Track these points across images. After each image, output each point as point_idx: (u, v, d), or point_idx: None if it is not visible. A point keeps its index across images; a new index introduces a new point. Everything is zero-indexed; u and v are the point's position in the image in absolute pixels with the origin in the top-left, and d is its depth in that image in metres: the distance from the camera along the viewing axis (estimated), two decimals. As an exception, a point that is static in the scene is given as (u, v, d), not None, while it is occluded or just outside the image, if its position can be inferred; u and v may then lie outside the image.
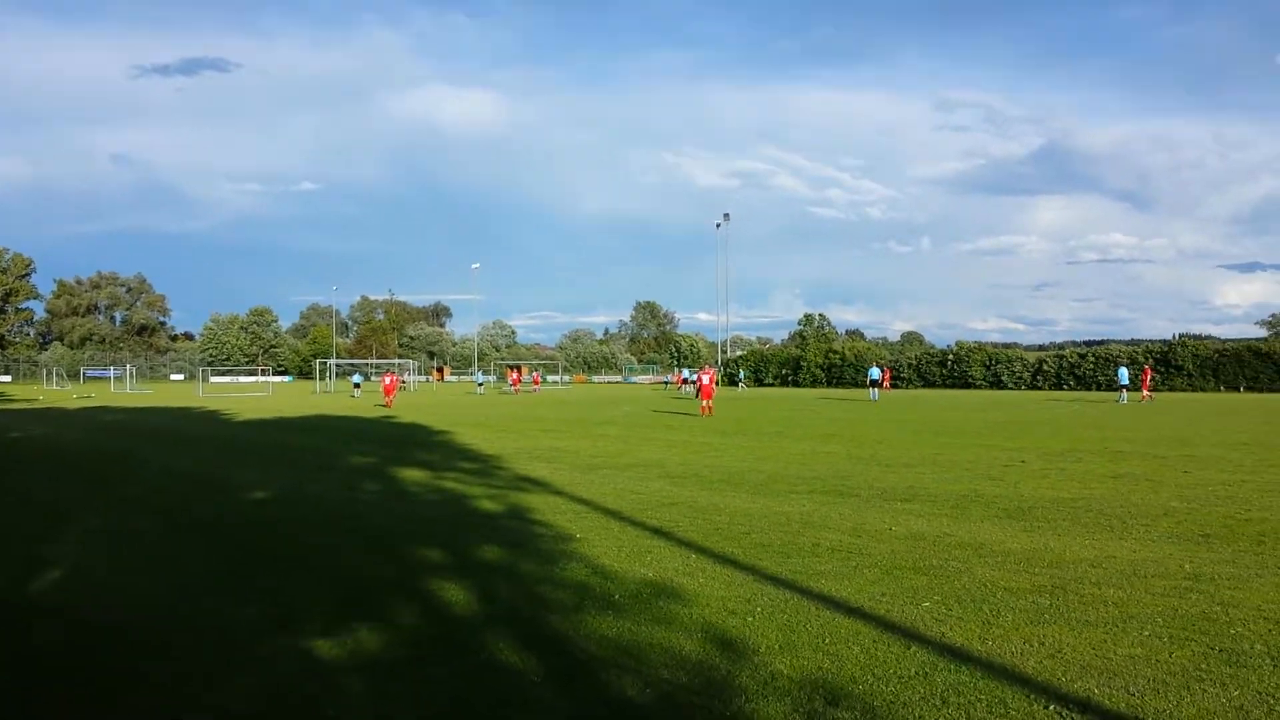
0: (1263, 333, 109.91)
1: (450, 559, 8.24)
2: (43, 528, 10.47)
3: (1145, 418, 29.29)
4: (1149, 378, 44.87)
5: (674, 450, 18.95)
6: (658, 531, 9.51)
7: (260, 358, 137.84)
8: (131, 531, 10.18)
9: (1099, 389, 60.70)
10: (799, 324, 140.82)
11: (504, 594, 6.91)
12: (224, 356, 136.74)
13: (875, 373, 51.79)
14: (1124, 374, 44.43)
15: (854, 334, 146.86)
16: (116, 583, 7.71)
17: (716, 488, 13.07)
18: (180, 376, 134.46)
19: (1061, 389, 64.47)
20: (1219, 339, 66.28)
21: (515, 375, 70.84)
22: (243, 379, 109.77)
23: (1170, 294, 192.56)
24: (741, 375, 79.35)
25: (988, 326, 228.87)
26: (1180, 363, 61.02)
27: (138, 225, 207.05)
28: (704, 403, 33.86)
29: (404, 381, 75.45)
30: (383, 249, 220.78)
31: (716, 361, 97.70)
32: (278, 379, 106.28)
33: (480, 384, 71.97)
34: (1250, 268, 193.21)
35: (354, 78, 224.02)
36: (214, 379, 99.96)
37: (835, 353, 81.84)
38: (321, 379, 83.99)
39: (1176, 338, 66.97)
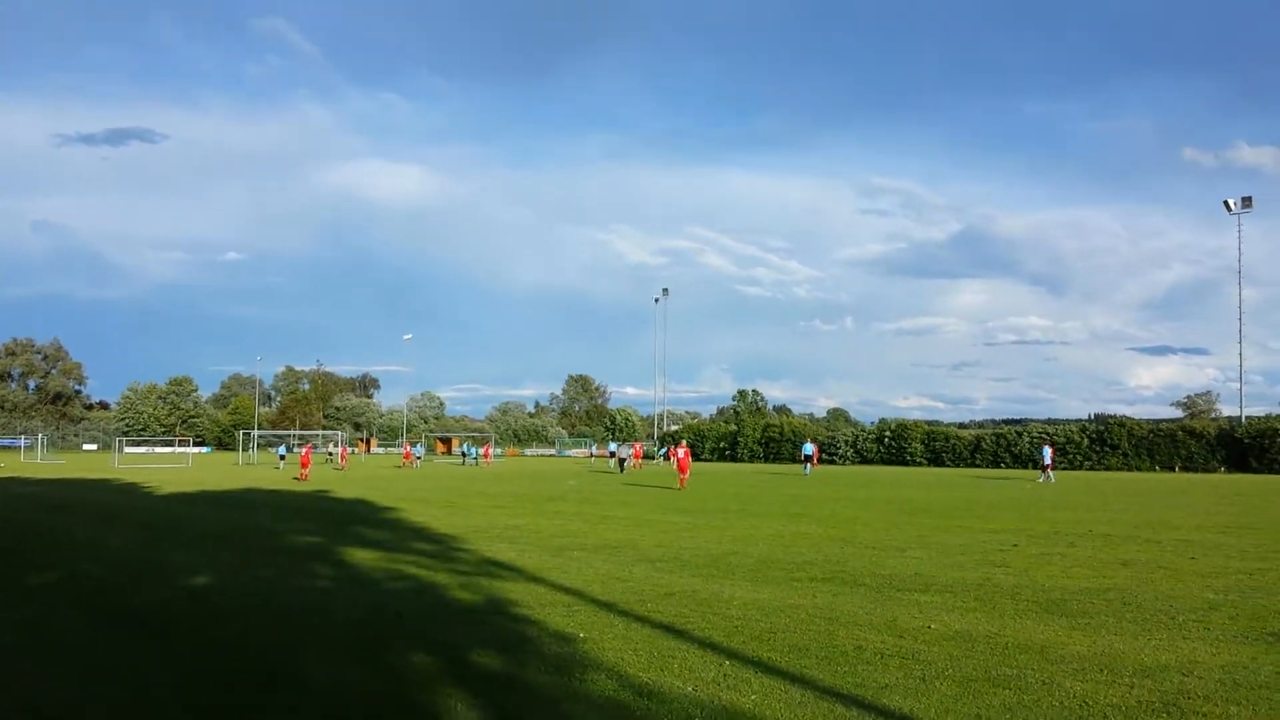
0: (1178, 413, 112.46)
1: (445, 666, 7.03)
2: (-52, 623, 8.99)
3: (1106, 499, 28.91)
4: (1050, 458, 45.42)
5: (640, 530, 17.82)
6: (670, 629, 8.39)
7: (178, 428, 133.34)
8: (58, 626, 8.76)
9: (1035, 467, 60.81)
10: (734, 399, 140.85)
11: (526, 718, 5.74)
12: (140, 426, 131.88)
13: (809, 448, 52.88)
14: (1047, 453, 44.85)
15: (781, 410, 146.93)
16: (45, 701, 6.37)
17: (707, 574, 11.99)
18: (93, 446, 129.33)
19: (999, 466, 64.60)
20: (1132, 419, 67.08)
21: (407, 449, 68.91)
22: (159, 449, 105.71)
23: (1085, 375, 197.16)
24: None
25: (909, 404, 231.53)
26: (1116, 441, 61.57)
27: (55, 291, 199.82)
28: (681, 476, 34.39)
29: (353, 451, 73.26)
30: (310, 319, 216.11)
31: (652, 436, 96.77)
32: (196, 450, 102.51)
33: (472, 456, 71.08)
34: (1161, 351, 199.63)
35: (284, 150, 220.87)
36: (129, 449, 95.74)
37: (774, 427, 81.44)
38: (244, 450, 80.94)
39: (1092, 417, 68.02)
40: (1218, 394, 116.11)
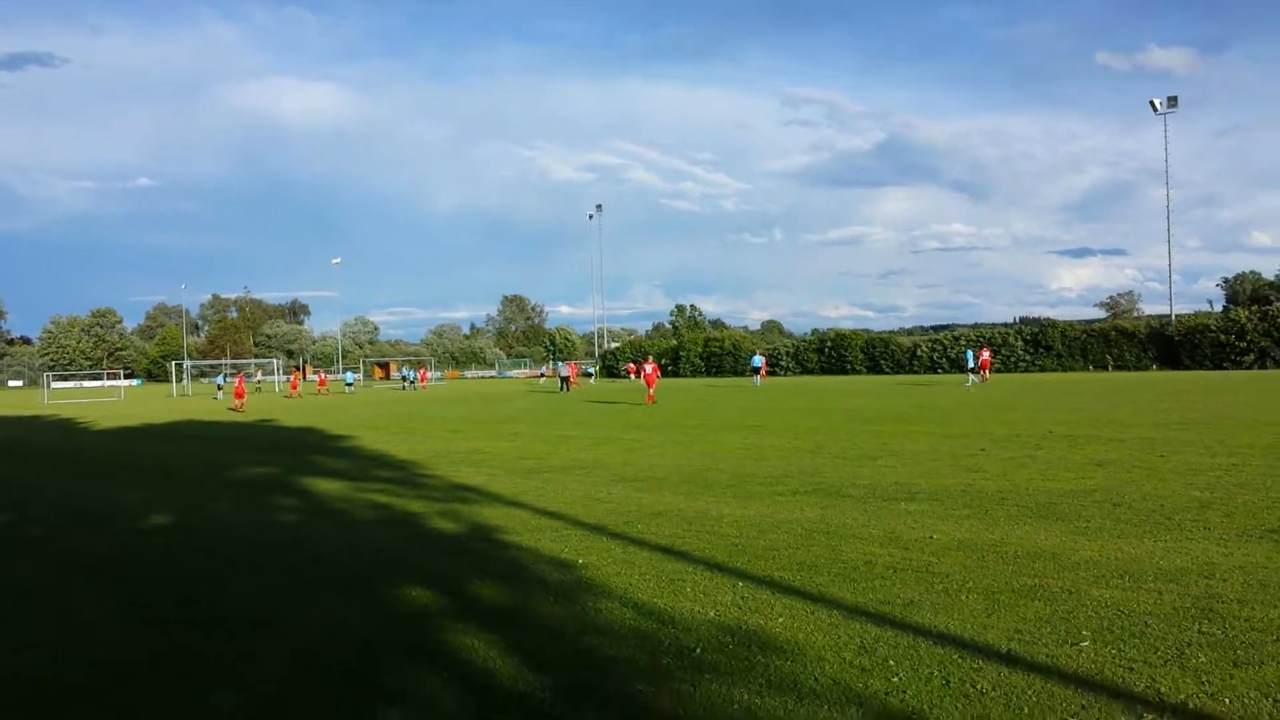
0: (1100, 313, 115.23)
1: (446, 601, 6.66)
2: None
3: (1052, 399, 29.29)
4: (987, 360, 46.93)
5: (604, 448, 17.54)
6: (668, 551, 8.10)
7: (105, 361, 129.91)
8: (12, 577, 8.21)
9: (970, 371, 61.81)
10: (671, 315, 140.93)
11: (550, 652, 5.38)
12: (66, 361, 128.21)
13: (758, 360, 53.31)
14: (970, 355, 45.79)
15: (715, 323, 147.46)
16: (12, 659, 5.87)
17: (686, 491, 11.74)
18: (19, 383, 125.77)
19: (935, 372, 65.47)
20: (1055, 320, 68.44)
21: (294, 378, 67.80)
22: (88, 383, 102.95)
23: (1008, 279, 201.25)
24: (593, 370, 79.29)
25: (839, 313, 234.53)
26: (1050, 343, 62.72)
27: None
28: (649, 392, 34.78)
29: (309, 378, 71.57)
30: (232, 246, 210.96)
31: (592, 353, 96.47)
32: (127, 383, 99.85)
33: (410, 379, 69.84)
34: (1081, 253, 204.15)
35: (190, 71, 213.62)
36: (57, 384, 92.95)
37: (715, 341, 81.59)
38: (177, 381, 79.07)
39: (1017, 320, 69.46)
40: (1139, 294, 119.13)
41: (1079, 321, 67.64)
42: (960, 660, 5.04)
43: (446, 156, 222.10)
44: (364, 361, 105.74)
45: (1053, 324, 65.21)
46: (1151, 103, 64.93)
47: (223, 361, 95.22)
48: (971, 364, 44.66)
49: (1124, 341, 60.38)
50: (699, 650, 5.32)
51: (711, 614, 6.06)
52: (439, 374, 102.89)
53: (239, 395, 42.12)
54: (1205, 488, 10.67)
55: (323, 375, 67.56)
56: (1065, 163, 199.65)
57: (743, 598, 6.46)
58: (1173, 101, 64.27)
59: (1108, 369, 59.52)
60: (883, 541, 8.21)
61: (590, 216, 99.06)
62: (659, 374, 37.28)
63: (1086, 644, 5.25)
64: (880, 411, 25.57)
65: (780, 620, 5.88)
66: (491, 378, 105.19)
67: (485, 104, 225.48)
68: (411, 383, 70.26)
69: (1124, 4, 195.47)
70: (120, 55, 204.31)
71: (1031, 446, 15.56)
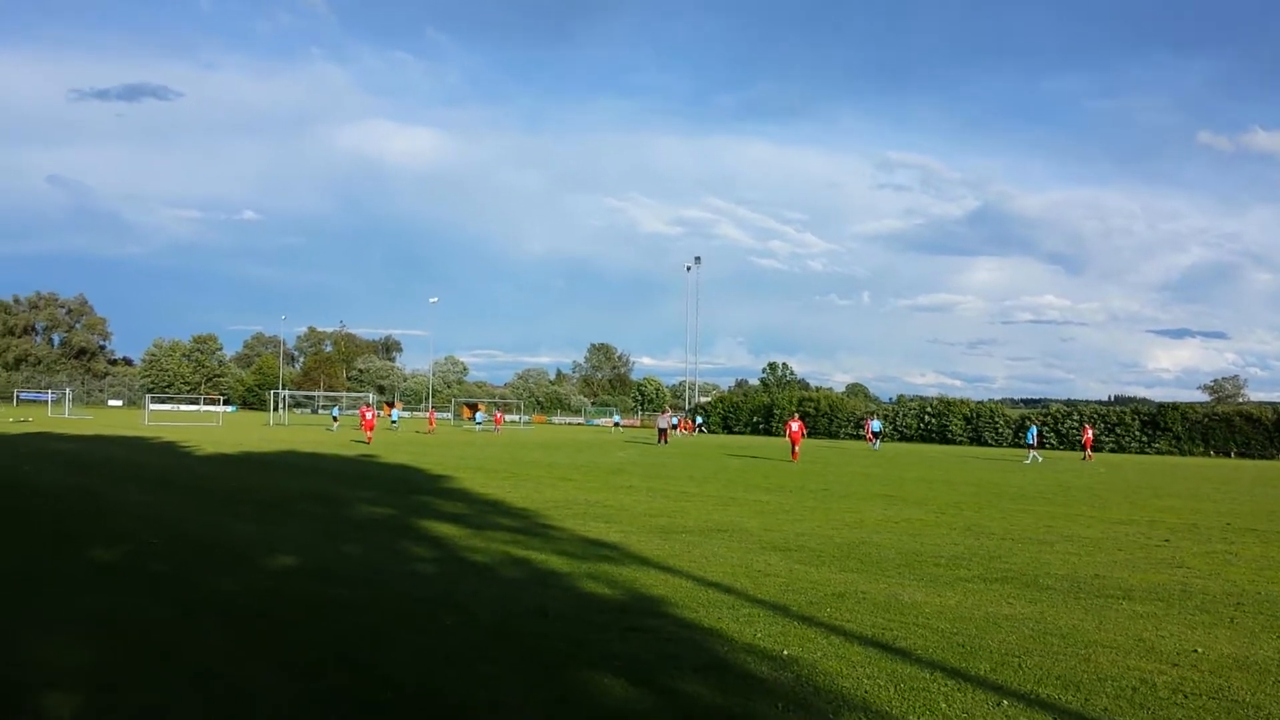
0: (1202, 396, 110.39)
1: (651, 698, 5.55)
2: (4, 608, 7.58)
3: (1197, 485, 27.28)
4: (1090, 439, 47.08)
5: (733, 510, 16.39)
6: (883, 646, 6.89)
7: (203, 386, 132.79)
8: (144, 620, 7.33)
9: (1079, 448, 59.20)
10: (763, 372, 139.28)
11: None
12: (166, 384, 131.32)
13: (878, 425, 52.04)
14: (1032, 433, 43.94)
15: (801, 384, 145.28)
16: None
17: (856, 569, 10.50)
18: (119, 403, 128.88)
19: (1043, 447, 62.82)
20: (1151, 401, 65.44)
21: (430, 414, 65.93)
22: (185, 407, 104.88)
23: (1102, 356, 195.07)
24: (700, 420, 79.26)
25: (926, 381, 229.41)
26: (1169, 424, 59.76)
27: (73, 248, 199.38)
28: (794, 449, 35.54)
29: (380, 414, 70.29)
30: (327, 281, 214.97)
31: (682, 406, 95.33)
32: (223, 409, 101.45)
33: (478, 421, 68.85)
34: (1180, 334, 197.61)
35: (297, 110, 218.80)
36: (155, 406, 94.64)
37: (810, 401, 79.82)
38: (274, 410, 79.85)
39: (1111, 399, 66.65)
40: (1245, 379, 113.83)
41: (1199, 404, 64.52)
42: None
43: (538, 204, 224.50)
44: (453, 401, 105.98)
45: (1173, 406, 62.06)
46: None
47: (317, 393, 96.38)
48: (1032, 441, 42.63)
49: (1248, 428, 57.17)
50: (1019, 803, 4.13)
51: (995, 743, 4.86)
52: (526, 418, 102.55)
53: (369, 427, 41.81)
54: None
55: (433, 414, 64.96)
56: (1165, 241, 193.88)
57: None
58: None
59: (1230, 455, 56.40)
60: (1138, 653, 6.91)
61: (688, 268, 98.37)
62: (804, 433, 37.29)
63: None
64: (1015, 488, 23.93)
65: (1095, 762, 4.65)
66: (579, 425, 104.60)
67: (579, 154, 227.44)
68: (481, 425, 69.40)
69: (1229, 85, 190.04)
70: (232, 91, 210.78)
71: (1220, 541, 13.98)
